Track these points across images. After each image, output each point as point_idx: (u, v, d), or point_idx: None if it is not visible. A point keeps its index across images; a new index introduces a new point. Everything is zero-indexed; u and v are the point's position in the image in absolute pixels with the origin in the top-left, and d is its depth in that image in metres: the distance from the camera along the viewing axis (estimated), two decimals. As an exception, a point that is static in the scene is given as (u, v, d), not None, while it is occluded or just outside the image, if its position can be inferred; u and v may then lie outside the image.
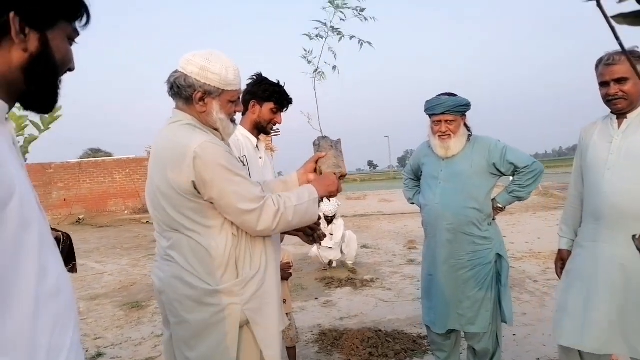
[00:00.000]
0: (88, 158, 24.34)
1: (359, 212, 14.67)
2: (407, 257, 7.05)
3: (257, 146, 2.29)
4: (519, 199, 2.55)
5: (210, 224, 1.55)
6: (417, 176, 2.85)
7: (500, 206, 2.57)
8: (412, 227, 10.59)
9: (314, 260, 6.46)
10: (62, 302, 0.80)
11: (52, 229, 3.53)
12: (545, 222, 9.86)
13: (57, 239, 3.12)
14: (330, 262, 6.31)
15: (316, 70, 1.87)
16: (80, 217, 16.73)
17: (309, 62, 1.86)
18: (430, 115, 2.55)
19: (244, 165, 2.10)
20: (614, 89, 1.90)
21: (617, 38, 0.38)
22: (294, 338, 3.09)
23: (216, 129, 1.64)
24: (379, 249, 7.95)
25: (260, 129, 2.28)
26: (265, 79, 2.25)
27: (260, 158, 2.29)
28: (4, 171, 0.70)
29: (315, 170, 1.86)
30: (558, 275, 2.32)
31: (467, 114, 2.56)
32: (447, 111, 2.45)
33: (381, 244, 8.40)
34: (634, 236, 0.90)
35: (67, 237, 3.37)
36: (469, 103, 2.51)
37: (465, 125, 2.55)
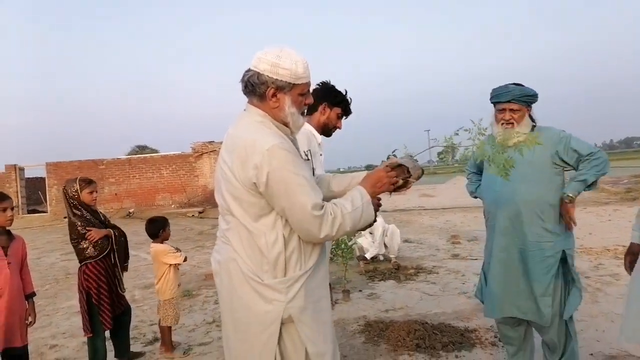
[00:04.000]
0: (136, 155, 25.31)
1: (399, 206, 14.56)
2: (451, 251, 6.98)
3: (319, 144, 2.45)
4: (586, 182, 2.41)
5: (263, 220, 1.60)
6: (480, 170, 2.87)
7: (571, 195, 2.43)
8: (455, 222, 10.44)
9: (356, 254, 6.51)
10: None
11: (109, 224, 3.67)
12: (596, 218, 9.48)
13: (109, 236, 3.30)
14: (374, 257, 6.34)
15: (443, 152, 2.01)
16: (131, 210, 17.49)
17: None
18: (495, 104, 2.54)
19: (308, 159, 2.22)
20: None
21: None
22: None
23: (287, 123, 1.68)
24: (422, 243, 7.90)
25: (325, 131, 2.52)
26: (334, 86, 2.53)
27: (321, 155, 2.45)
28: None
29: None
30: (627, 270, 2.26)
31: (532, 105, 2.52)
32: (513, 99, 2.43)
33: (424, 239, 8.35)
34: None
35: (121, 234, 3.54)
36: (536, 94, 2.49)
37: (530, 116, 2.53)
